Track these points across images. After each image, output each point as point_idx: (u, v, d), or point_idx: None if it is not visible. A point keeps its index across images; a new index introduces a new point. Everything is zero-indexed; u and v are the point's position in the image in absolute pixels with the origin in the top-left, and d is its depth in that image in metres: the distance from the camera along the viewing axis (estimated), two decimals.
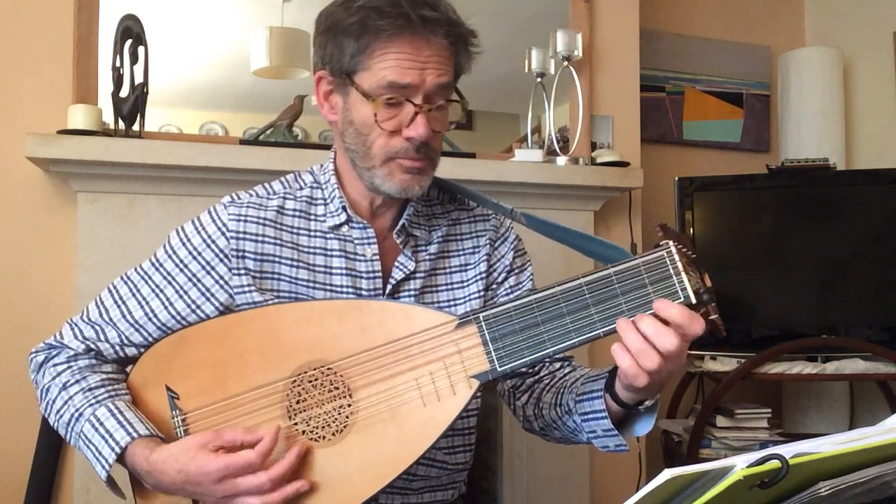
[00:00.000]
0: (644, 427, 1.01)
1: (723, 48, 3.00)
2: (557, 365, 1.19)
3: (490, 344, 0.94)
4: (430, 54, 1.02)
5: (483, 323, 0.94)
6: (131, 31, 1.87)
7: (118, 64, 1.86)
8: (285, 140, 2.09)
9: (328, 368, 0.97)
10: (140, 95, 1.87)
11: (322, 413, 0.97)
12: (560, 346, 0.93)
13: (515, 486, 2.19)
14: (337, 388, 0.97)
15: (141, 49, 1.88)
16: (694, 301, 0.91)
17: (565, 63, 2.29)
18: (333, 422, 0.97)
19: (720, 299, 0.95)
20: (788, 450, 0.59)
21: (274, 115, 2.13)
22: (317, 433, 0.97)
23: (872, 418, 2.52)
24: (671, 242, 0.92)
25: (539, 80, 2.35)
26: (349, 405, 0.96)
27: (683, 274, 0.91)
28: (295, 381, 0.98)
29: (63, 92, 1.91)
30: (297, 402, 0.98)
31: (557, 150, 2.31)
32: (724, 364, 2.39)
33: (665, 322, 0.89)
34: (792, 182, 2.51)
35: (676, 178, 2.52)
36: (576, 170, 2.26)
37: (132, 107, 1.87)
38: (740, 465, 0.57)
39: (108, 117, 1.90)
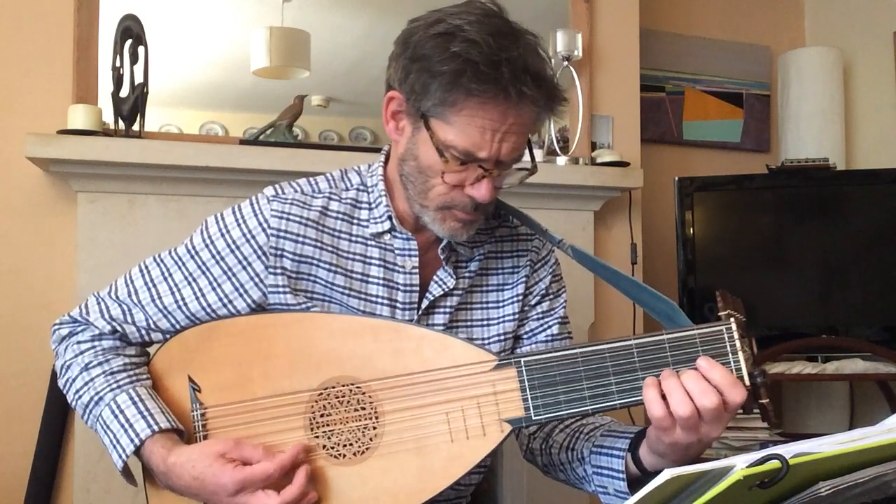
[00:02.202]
0: None
1: (723, 48, 3.00)
2: None
3: (528, 391, 0.91)
4: (513, 122, 0.97)
5: (524, 367, 0.92)
6: (131, 31, 1.87)
7: (118, 64, 1.86)
8: (285, 140, 2.08)
9: (357, 387, 0.95)
10: (140, 95, 1.87)
11: (346, 430, 0.95)
12: (600, 405, 0.90)
13: (515, 486, 2.19)
14: (363, 409, 0.95)
15: (141, 49, 1.88)
16: (747, 382, 0.88)
17: (565, 63, 2.29)
18: (356, 441, 0.95)
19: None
20: (788, 450, 0.59)
21: (274, 115, 2.13)
22: (337, 450, 0.95)
23: (872, 418, 2.52)
24: (733, 319, 0.89)
25: None
26: (374, 427, 0.94)
27: (741, 353, 0.88)
28: (322, 393, 0.96)
29: (63, 92, 1.91)
30: (321, 416, 0.96)
31: (557, 150, 2.31)
32: None
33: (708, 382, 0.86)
34: (792, 182, 2.51)
35: (676, 178, 2.52)
36: (576, 170, 2.26)
37: (132, 107, 1.87)
38: (740, 465, 0.57)
39: (108, 117, 1.90)
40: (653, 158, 2.68)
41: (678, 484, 0.60)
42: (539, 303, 1.18)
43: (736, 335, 0.89)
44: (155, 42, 1.92)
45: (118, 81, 1.87)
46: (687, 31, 2.95)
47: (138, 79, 1.88)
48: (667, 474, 0.58)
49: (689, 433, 0.87)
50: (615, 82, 2.47)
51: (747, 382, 0.88)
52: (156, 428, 0.97)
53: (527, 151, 1.08)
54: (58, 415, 1.85)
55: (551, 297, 1.19)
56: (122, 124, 1.88)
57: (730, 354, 0.89)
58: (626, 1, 2.49)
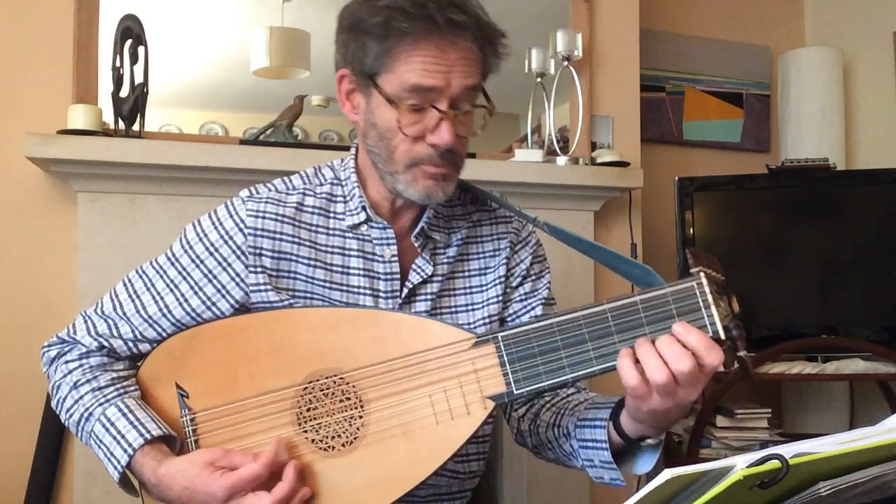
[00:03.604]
0: (646, 464, 0.98)
1: (723, 48, 3.00)
2: None
3: (508, 365, 0.92)
4: (456, 57, 0.98)
5: (501, 343, 0.92)
6: (131, 31, 1.87)
7: (118, 64, 1.86)
8: (285, 140, 2.08)
9: (340, 378, 0.96)
10: (140, 95, 1.87)
11: (332, 422, 0.96)
12: (579, 373, 0.90)
13: (515, 486, 2.19)
14: (349, 399, 0.96)
15: (141, 49, 1.88)
16: (723, 336, 0.87)
17: (565, 63, 2.29)
18: (344, 432, 0.95)
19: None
20: (788, 450, 0.59)
21: (274, 115, 2.13)
22: (326, 442, 0.96)
23: (872, 418, 2.52)
24: (703, 273, 0.89)
25: (539, 80, 2.35)
26: (360, 416, 0.95)
27: (713, 307, 0.87)
28: (306, 388, 0.97)
29: (63, 92, 1.91)
30: (308, 410, 0.97)
31: (557, 150, 2.31)
32: None
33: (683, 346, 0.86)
34: (792, 182, 2.51)
35: (676, 178, 2.52)
36: (576, 170, 2.26)
37: (132, 107, 1.87)
38: (740, 465, 0.57)
39: (108, 117, 1.90)
40: (653, 158, 2.68)
41: (678, 484, 0.60)
42: (521, 284, 1.18)
43: (707, 290, 0.88)
44: (155, 42, 1.92)
45: (118, 81, 1.87)
46: (687, 31, 2.95)
47: (138, 79, 1.88)
48: (667, 474, 0.58)
49: (666, 398, 0.86)
50: (615, 82, 2.47)
51: (722, 336, 0.87)
52: (147, 436, 0.97)
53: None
54: (58, 415, 1.84)
55: (533, 278, 1.19)
56: (122, 124, 1.88)
57: (702, 309, 0.88)
58: (626, 1, 2.49)
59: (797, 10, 3.16)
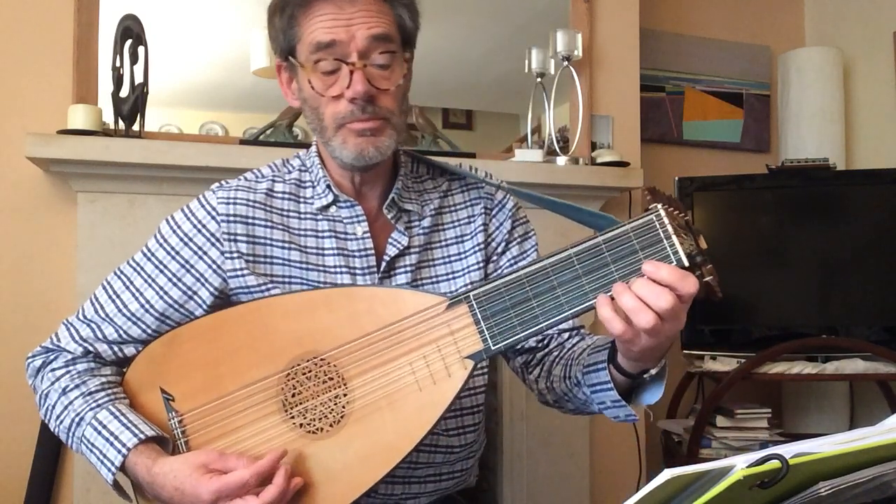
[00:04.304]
0: (653, 395, 0.99)
1: (723, 48, 3.00)
2: (566, 335, 1.17)
3: (482, 322, 0.93)
4: (355, 10, 1.00)
5: (474, 301, 0.93)
6: (131, 31, 1.87)
7: (118, 64, 1.87)
8: (285, 140, 2.09)
9: (321, 359, 0.97)
10: (140, 95, 1.87)
11: (318, 405, 0.96)
12: (553, 319, 0.91)
13: (515, 486, 2.19)
14: (331, 379, 0.96)
15: (141, 49, 1.88)
16: (687, 264, 0.88)
17: (565, 63, 2.29)
18: (330, 413, 0.96)
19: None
20: (788, 450, 0.59)
21: (274, 115, 2.13)
22: (314, 425, 0.97)
23: (872, 418, 2.52)
24: (660, 206, 0.89)
25: (539, 80, 2.35)
26: (345, 395, 0.96)
27: (674, 237, 0.88)
28: (289, 374, 0.98)
29: (63, 92, 1.91)
30: (293, 396, 0.97)
31: (557, 150, 2.31)
32: (724, 364, 2.39)
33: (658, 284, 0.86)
34: (792, 182, 2.51)
35: (676, 178, 2.52)
36: (576, 170, 2.26)
37: (132, 107, 1.87)
38: (740, 466, 0.57)
39: (108, 117, 1.90)
40: (653, 158, 2.68)
41: (678, 484, 0.60)
42: (506, 249, 1.19)
43: (667, 220, 0.88)
44: (155, 42, 1.92)
45: (118, 81, 1.87)
46: (687, 31, 2.95)
47: (138, 79, 1.88)
48: (667, 474, 0.58)
49: (654, 336, 0.87)
50: (615, 82, 2.47)
51: (686, 263, 0.88)
52: (141, 436, 0.97)
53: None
54: (47, 423, 1.84)
55: (518, 240, 1.20)
56: (122, 124, 1.88)
57: (664, 240, 0.88)
58: (626, 1, 2.49)
59: (797, 10, 3.16)
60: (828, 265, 2.47)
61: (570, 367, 1.09)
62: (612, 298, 0.88)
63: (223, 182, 1.14)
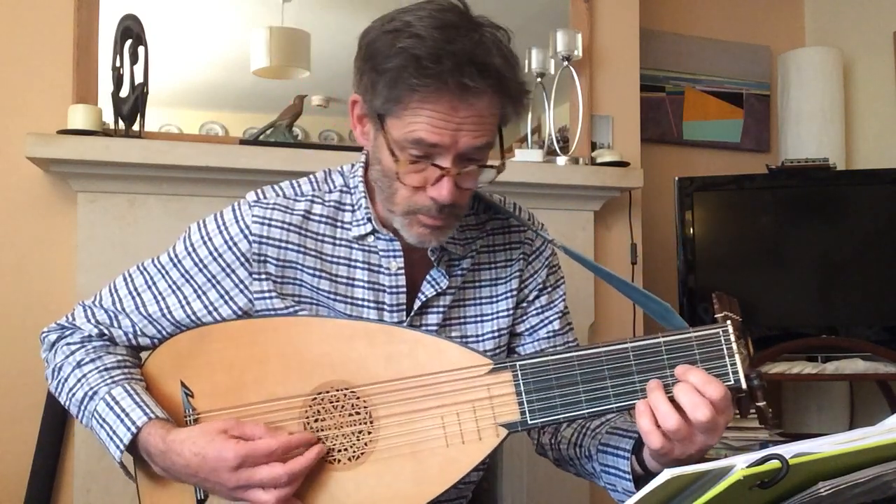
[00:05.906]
0: None
1: (723, 48, 3.00)
2: None
3: (524, 395, 0.91)
4: (467, 115, 0.93)
5: (519, 372, 0.91)
6: (131, 31, 1.87)
7: (118, 64, 1.87)
8: (285, 140, 2.08)
9: (351, 391, 0.94)
10: (140, 95, 1.87)
11: (340, 435, 0.94)
12: (596, 409, 0.89)
13: (515, 486, 2.19)
14: (358, 413, 0.94)
15: (141, 49, 1.88)
16: (744, 386, 0.88)
17: (565, 63, 2.29)
18: (351, 446, 0.94)
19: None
20: (788, 450, 0.59)
21: (274, 115, 2.13)
22: (332, 455, 0.95)
23: (872, 418, 2.52)
24: (729, 321, 0.89)
25: (539, 80, 2.35)
26: (369, 433, 0.94)
27: (737, 356, 0.88)
28: (315, 398, 0.95)
29: (63, 92, 1.91)
30: (316, 421, 0.95)
31: (557, 150, 2.31)
32: None
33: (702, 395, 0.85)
34: (792, 182, 2.51)
35: (676, 178, 2.52)
36: (576, 170, 2.26)
37: (132, 107, 1.87)
38: (740, 465, 0.57)
39: (108, 117, 1.91)
40: (653, 158, 2.68)
41: (678, 484, 0.60)
42: (537, 297, 1.16)
43: (732, 337, 0.88)
44: (155, 42, 1.92)
45: (118, 81, 1.87)
46: (687, 31, 2.95)
47: (138, 79, 1.88)
48: (667, 474, 0.58)
49: (677, 439, 0.86)
50: (615, 82, 2.47)
51: (744, 385, 0.87)
52: (152, 416, 0.96)
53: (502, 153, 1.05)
54: (58, 415, 1.85)
55: (549, 289, 1.17)
56: (122, 124, 1.88)
57: (726, 357, 0.88)
58: (626, 1, 2.49)
59: (797, 10, 3.16)
60: (828, 265, 2.47)
61: (583, 435, 1.07)
62: (653, 412, 0.86)
63: (260, 194, 1.08)
